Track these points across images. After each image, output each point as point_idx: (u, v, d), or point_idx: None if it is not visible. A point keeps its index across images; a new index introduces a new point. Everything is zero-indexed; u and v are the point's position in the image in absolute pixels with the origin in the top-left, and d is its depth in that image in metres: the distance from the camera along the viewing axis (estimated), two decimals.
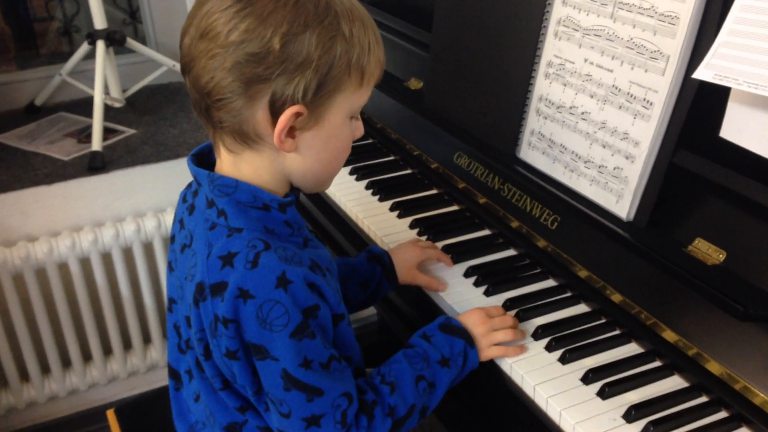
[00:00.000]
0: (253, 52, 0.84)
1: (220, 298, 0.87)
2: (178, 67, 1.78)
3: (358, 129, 0.98)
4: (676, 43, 1.04)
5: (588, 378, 1.02)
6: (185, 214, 0.99)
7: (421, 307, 1.27)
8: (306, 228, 0.98)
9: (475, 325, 1.08)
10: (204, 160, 0.99)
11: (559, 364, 1.06)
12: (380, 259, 1.24)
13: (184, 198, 1.02)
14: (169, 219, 1.99)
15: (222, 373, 0.94)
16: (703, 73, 0.93)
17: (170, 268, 1.02)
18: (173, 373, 1.03)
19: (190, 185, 1.01)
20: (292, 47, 0.84)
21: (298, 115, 0.87)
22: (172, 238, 1.03)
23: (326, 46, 0.86)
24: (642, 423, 0.95)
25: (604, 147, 1.17)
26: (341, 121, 0.93)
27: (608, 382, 1.01)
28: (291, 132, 0.89)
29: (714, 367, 0.96)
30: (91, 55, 2.11)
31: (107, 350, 2.11)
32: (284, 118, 0.87)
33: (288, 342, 0.87)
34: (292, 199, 0.94)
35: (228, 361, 0.91)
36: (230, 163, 0.94)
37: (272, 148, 0.91)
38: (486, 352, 1.07)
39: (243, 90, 0.86)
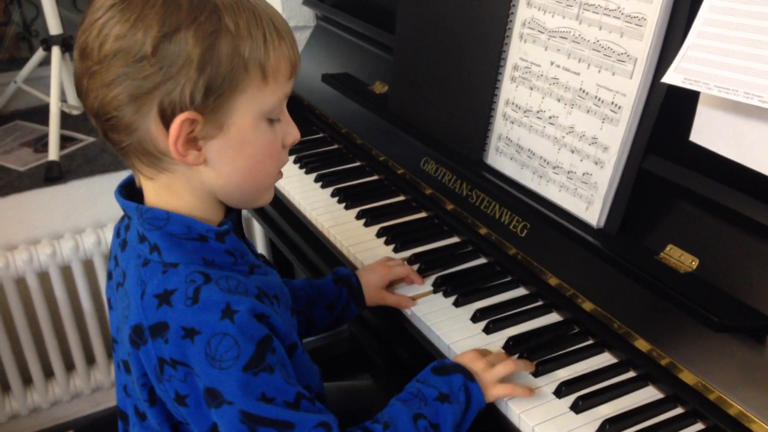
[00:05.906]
0: (127, 61, 0.77)
1: (163, 339, 0.80)
2: None
3: (290, 134, 0.89)
4: (643, 45, 1.01)
5: (561, 391, 1.00)
6: (118, 250, 0.92)
7: (388, 319, 1.24)
8: (251, 254, 0.91)
9: (471, 361, 1.00)
10: (136, 190, 0.92)
11: (531, 377, 1.03)
12: (347, 282, 1.19)
13: (117, 232, 0.94)
14: None
15: (172, 416, 0.87)
16: (672, 77, 0.90)
17: (110, 305, 0.95)
18: (122, 415, 0.96)
19: (123, 218, 0.94)
20: (166, 50, 0.77)
21: (192, 122, 0.80)
22: (109, 275, 0.95)
23: (207, 43, 0.78)
24: None
25: (572, 152, 1.14)
26: (251, 124, 0.84)
27: (582, 395, 0.98)
28: (194, 143, 0.82)
29: (688, 378, 0.94)
30: (47, 62, 2.06)
31: (69, 366, 2.05)
32: (175, 128, 0.79)
33: (241, 377, 0.79)
34: (229, 227, 0.87)
35: (178, 407, 0.83)
36: (152, 192, 0.87)
37: (184, 166, 0.83)
38: (492, 390, 0.97)
39: (128, 103, 0.79)
